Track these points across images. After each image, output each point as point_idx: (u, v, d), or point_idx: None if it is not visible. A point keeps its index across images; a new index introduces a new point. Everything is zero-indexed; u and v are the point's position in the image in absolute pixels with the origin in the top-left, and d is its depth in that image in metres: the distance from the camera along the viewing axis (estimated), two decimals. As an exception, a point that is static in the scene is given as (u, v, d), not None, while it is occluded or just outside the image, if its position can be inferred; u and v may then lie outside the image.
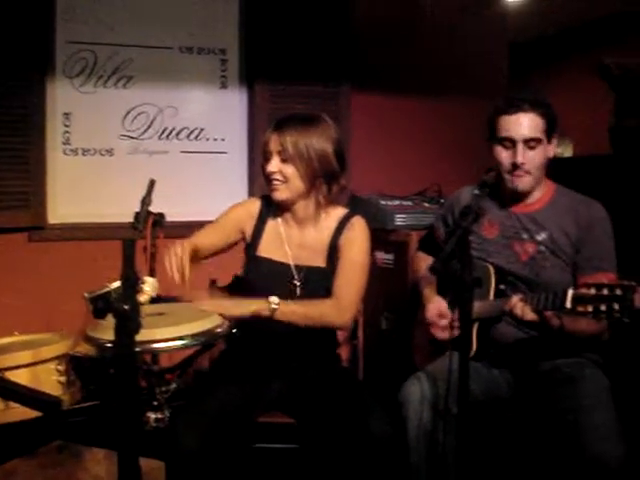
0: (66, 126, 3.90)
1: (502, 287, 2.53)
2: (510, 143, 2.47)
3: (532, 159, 2.46)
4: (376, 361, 3.83)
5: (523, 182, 2.50)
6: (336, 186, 2.53)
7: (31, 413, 2.05)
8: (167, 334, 1.96)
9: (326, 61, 4.24)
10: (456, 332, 2.42)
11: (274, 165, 2.46)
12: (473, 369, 2.26)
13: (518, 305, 2.32)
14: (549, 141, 2.50)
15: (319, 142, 2.45)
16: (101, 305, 1.61)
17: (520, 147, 2.45)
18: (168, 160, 4.08)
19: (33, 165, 3.76)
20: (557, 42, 7.75)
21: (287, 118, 2.50)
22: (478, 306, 2.35)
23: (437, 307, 2.67)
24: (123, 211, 3.89)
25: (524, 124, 2.44)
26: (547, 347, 2.52)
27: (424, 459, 2.39)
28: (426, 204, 3.88)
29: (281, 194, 2.49)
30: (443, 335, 2.62)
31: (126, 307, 1.57)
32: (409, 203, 3.86)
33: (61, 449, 2.14)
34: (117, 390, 1.62)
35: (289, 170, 2.44)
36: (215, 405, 2.36)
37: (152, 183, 2.92)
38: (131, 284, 1.60)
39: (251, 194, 4.20)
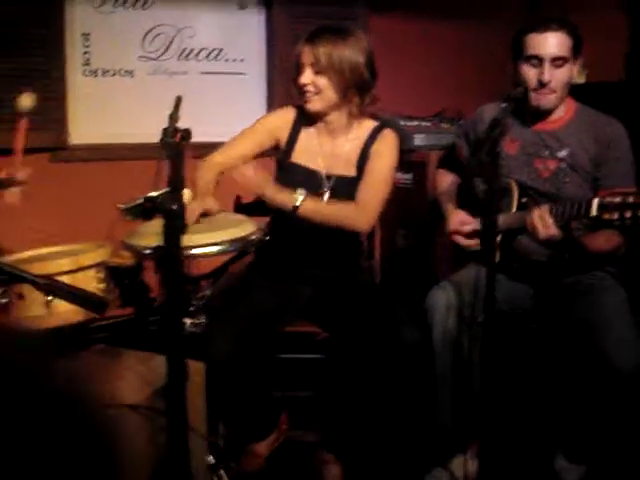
0: (86, 47, 3.89)
1: (524, 200, 2.58)
2: (537, 61, 2.48)
3: (558, 77, 2.49)
4: (393, 277, 3.90)
5: (548, 100, 2.53)
6: (368, 97, 2.57)
7: (72, 318, 2.15)
8: (204, 240, 2.01)
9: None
10: (478, 240, 2.50)
11: (307, 77, 2.49)
12: (496, 280, 2.31)
13: (539, 215, 2.35)
14: (574, 61, 2.52)
15: (351, 53, 2.48)
16: (150, 205, 1.66)
17: (547, 65, 2.47)
18: (188, 81, 4.08)
19: (54, 86, 3.76)
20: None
21: (319, 30, 2.52)
22: (502, 218, 2.40)
23: (459, 217, 2.72)
24: (144, 132, 3.96)
25: (552, 42, 2.46)
26: (568, 261, 2.58)
27: (449, 365, 2.49)
28: (444, 125, 3.93)
29: (314, 105, 2.53)
30: (467, 242, 2.68)
31: (174, 207, 1.61)
32: (428, 124, 3.91)
33: (103, 352, 2.21)
34: (165, 291, 1.67)
35: (322, 81, 2.48)
36: (246, 312, 2.46)
37: (179, 100, 2.92)
38: (178, 185, 1.64)
39: (270, 114, 4.22)
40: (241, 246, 2.13)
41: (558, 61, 2.46)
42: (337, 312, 2.54)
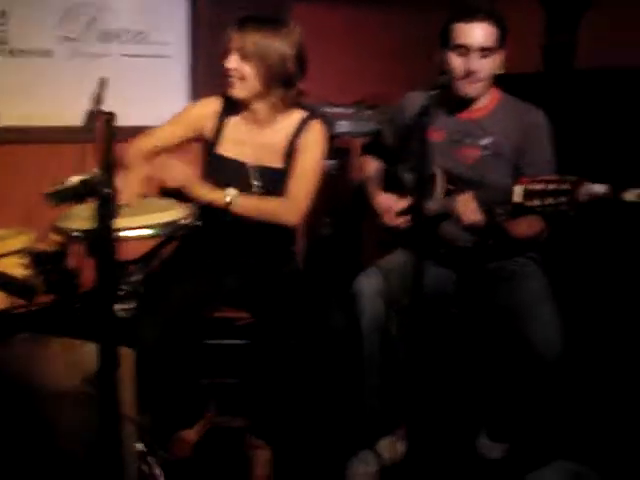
0: (1, 25, 3.76)
1: (450, 187, 2.62)
2: (465, 50, 2.52)
3: (484, 67, 2.53)
4: (317, 264, 3.92)
5: (474, 89, 2.57)
6: (293, 90, 2.56)
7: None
8: (135, 223, 1.99)
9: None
10: (407, 218, 2.54)
11: (232, 62, 2.48)
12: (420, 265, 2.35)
13: (464, 201, 2.41)
14: (499, 51, 2.56)
15: (280, 45, 2.47)
16: (83, 190, 1.63)
17: (474, 55, 2.51)
18: (109, 63, 3.99)
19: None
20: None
21: (251, 17, 2.51)
22: (429, 204, 2.45)
23: (387, 198, 2.76)
24: (64, 115, 3.86)
25: (479, 32, 2.50)
26: (491, 247, 2.64)
27: (377, 349, 2.52)
28: (367, 112, 3.97)
29: (237, 92, 2.52)
30: (397, 222, 2.71)
31: (107, 191, 1.59)
32: (350, 111, 3.94)
33: (29, 340, 2.16)
34: (97, 277, 1.65)
35: (246, 69, 2.47)
36: (173, 299, 2.44)
37: (103, 81, 2.88)
38: (110, 169, 1.61)
39: (195, 99, 4.16)
40: (172, 230, 2.12)
41: (485, 51, 2.51)
42: (264, 299, 2.54)
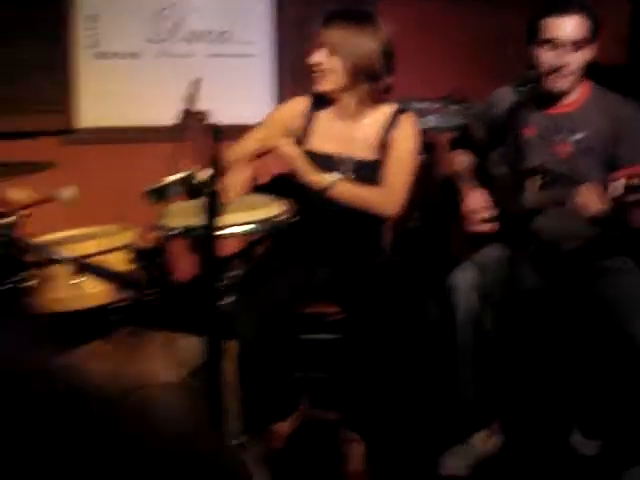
0: (93, 29, 3.86)
1: (544, 182, 2.59)
2: (555, 44, 2.49)
3: (574, 61, 2.50)
4: (406, 258, 3.92)
5: (562, 83, 2.54)
6: (380, 85, 2.57)
7: (100, 300, 2.16)
8: (238, 219, 2.03)
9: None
10: (492, 226, 2.52)
11: (317, 56, 2.52)
12: (515, 260, 2.33)
13: (585, 192, 2.34)
14: (591, 44, 2.53)
15: (365, 40, 2.49)
16: (196, 186, 1.67)
17: (563, 49, 2.48)
18: (195, 64, 4.05)
19: (61, 69, 3.76)
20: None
21: (338, 12, 2.54)
22: (527, 198, 2.43)
23: (477, 197, 2.74)
24: (151, 115, 3.95)
25: (570, 26, 2.47)
26: (582, 243, 2.60)
27: (471, 343, 2.51)
28: (453, 107, 3.94)
29: (321, 86, 2.56)
30: (480, 229, 2.70)
31: (215, 188, 1.63)
32: (437, 105, 3.92)
33: (133, 333, 2.22)
34: (203, 272, 1.69)
35: (331, 63, 2.49)
36: (267, 296, 2.46)
37: (197, 82, 2.94)
38: (219, 167, 1.65)
39: (280, 98, 4.20)
40: (272, 226, 2.15)
41: (575, 45, 2.48)
42: (356, 292, 2.55)
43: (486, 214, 2.68)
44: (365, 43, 2.49)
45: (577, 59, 2.51)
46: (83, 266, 1.70)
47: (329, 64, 2.50)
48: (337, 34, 2.48)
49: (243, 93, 4.17)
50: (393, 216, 2.61)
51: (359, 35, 2.49)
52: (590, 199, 2.32)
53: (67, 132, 3.83)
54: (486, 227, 2.70)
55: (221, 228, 1.94)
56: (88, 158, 3.81)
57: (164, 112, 3.87)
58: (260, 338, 2.38)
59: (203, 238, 1.69)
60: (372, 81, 2.55)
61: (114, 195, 3.73)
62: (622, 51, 4.74)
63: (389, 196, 2.54)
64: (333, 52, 2.49)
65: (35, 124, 3.70)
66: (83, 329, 2.16)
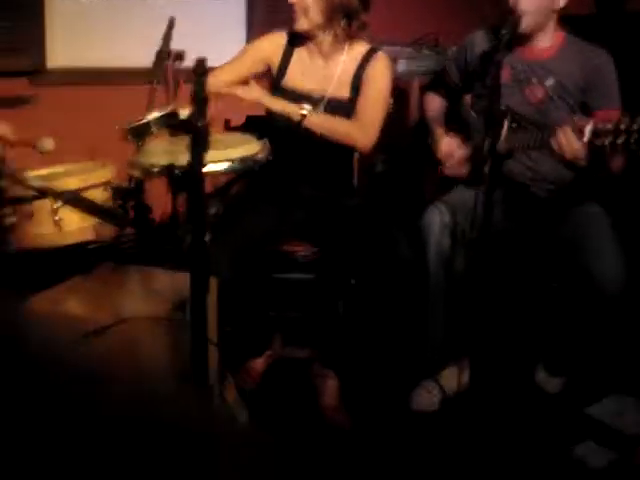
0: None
1: (514, 126, 2.64)
2: None
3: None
4: (377, 200, 3.96)
5: (526, 22, 2.53)
6: (356, 22, 2.59)
7: (81, 237, 2.18)
8: (215, 157, 2.03)
9: None
10: (466, 169, 2.58)
11: None
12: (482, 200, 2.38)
13: (564, 134, 2.36)
14: None
15: None
16: (173, 122, 1.68)
17: None
18: (165, 4, 4.03)
19: (30, 7, 3.70)
20: None
21: None
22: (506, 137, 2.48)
23: (450, 143, 2.79)
24: (123, 55, 3.92)
25: None
26: (553, 186, 2.67)
27: (443, 281, 2.58)
28: (425, 51, 3.95)
29: (300, 24, 2.57)
30: (455, 172, 2.76)
31: (200, 124, 1.64)
32: (408, 49, 3.93)
33: (114, 269, 2.24)
34: (189, 211, 1.72)
35: (309, 1, 2.50)
36: (242, 235, 2.50)
37: (171, 22, 2.91)
38: (203, 101, 1.67)
39: (249, 36, 4.18)
40: (251, 164, 2.16)
41: None
42: (331, 231, 2.60)
43: (460, 157, 2.73)
44: None
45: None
46: (67, 200, 1.70)
47: (304, 2, 2.52)
48: None
49: (214, 34, 4.14)
50: (366, 149, 2.65)
51: None
52: (567, 142, 2.36)
53: (38, 72, 3.78)
54: (460, 170, 2.75)
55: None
56: (59, 98, 3.76)
57: (136, 53, 3.87)
58: (235, 276, 2.42)
59: (188, 175, 1.71)
60: (348, 19, 2.57)
61: (86, 135, 3.71)
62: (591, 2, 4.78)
63: (363, 128, 2.59)
64: None
65: (5, 64, 3.65)
66: (63, 266, 2.18)
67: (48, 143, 2.36)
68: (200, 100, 1.67)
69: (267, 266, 2.65)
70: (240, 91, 2.53)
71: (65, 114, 3.77)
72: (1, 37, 3.67)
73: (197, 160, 1.66)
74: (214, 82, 2.60)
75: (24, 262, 2.12)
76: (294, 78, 2.68)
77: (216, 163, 2.04)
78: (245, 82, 2.68)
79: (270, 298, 2.76)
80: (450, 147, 2.80)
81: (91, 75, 3.93)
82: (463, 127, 2.82)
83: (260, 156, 2.21)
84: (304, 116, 2.48)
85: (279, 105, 2.53)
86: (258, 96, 2.53)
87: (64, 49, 3.89)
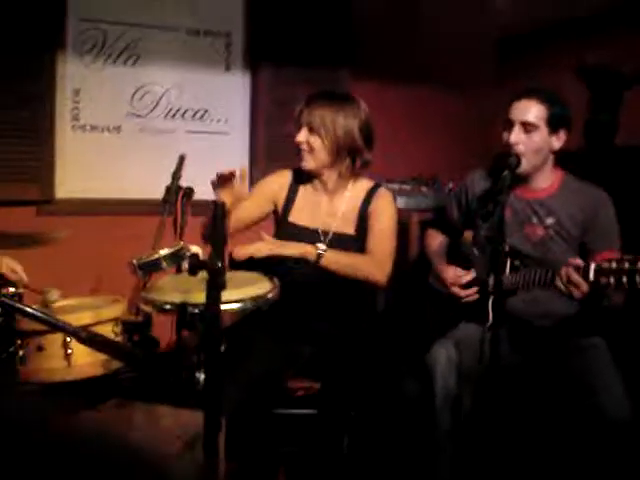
0: (75, 102, 3.97)
1: (517, 263, 2.70)
2: (509, 124, 2.65)
3: (525, 142, 2.62)
4: (380, 336, 3.97)
5: (524, 164, 2.64)
6: (360, 160, 2.69)
7: (91, 372, 2.19)
8: (227, 297, 2.06)
9: (327, 47, 4.40)
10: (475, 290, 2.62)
11: (302, 136, 2.65)
12: (488, 338, 2.41)
13: (567, 273, 2.40)
14: (552, 132, 2.66)
15: (345, 119, 2.64)
16: (195, 263, 1.72)
17: (516, 128, 2.63)
18: (173, 139, 4.18)
19: (42, 140, 3.83)
20: (534, 38, 8.05)
21: (319, 94, 2.69)
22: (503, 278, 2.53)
23: (454, 270, 2.85)
24: (129, 188, 4.03)
25: (524, 108, 2.63)
26: (557, 321, 2.70)
27: (449, 421, 2.57)
28: (423, 188, 4.07)
29: (307, 163, 2.67)
30: (465, 293, 2.80)
31: (219, 264, 1.69)
32: (407, 187, 4.05)
33: (120, 406, 2.24)
34: (204, 350, 1.74)
35: (315, 142, 2.62)
36: (250, 373, 2.49)
37: (182, 158, 3.01)
38: (221, 243, 1.71)
39: (251, 174, 4.30)
40: (262, 303, 2.19)
41: (528, 126, 2.62)
42: (338, 368, 2.60)
43: (467, 279, 2.79)
44: (343, 121, 2.63)
45: (527, 141, 2.63)
46: (83, 339, 1.72)
47: (311, 143, 2.62)
48: (317, 114, 2.62)
49: (218, 169, 4.25)
50: (382, 282, 2.68)
51: (337, 114, 2.63)
52: (572, 281, 2.40)
53: (45, 202, 3.86)
54: (470, 292, 2.79)
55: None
56: (65, 229, 3.81)
57: (143, 186, 3.99)
58: (241, 413, 2.40)
59: (202, 314, 1.74)
60: (353, 157, 2.67)
61: (94, 265, 3.77)
62: (581, 138, 4.97)
63: (377, 263, 2.64)
64: (314, 131, 2.62)
65: (15, 193, 3.74)
66: (71, 399, 2.17)
67: (54, 294, 2.43)
68: (219, 242, 1.72)
69: (273, 402, 2.63)
70: (252, 250, 2.53)
71: (72, 244, 3.82)
72: (11, 167, 3.77)
73: (213, 300, 1.70)
74: (234, 221, 2.67)
75: (32, 396, 2.11)
76: (300, 214, 2.76)
77: (229, 303, 2.06)
78: (256, 222, 2.75)
79: (274, 434, 2.72)
80: (456, 273, 2.84)
81: (99, 206, 4.03)
82: (464, 262, 2.87)
83: (271, 295, 2.24)
84: (320, 255, 2.52)
85: (294, 250, 2.55)
86: (271, 250, 2.54)
87: (73, 180, 3.99)
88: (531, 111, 2.63)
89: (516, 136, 2.63)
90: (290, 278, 2.53)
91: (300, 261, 2.54)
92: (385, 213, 2.71)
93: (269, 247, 2.53)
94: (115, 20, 4.02)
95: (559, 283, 2.44)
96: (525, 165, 2.66)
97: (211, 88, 4.27)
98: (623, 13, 6.94)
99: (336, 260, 2.56)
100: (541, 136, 2.65)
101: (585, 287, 2.38)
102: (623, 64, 5.18)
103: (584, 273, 2.35)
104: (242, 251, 2.49)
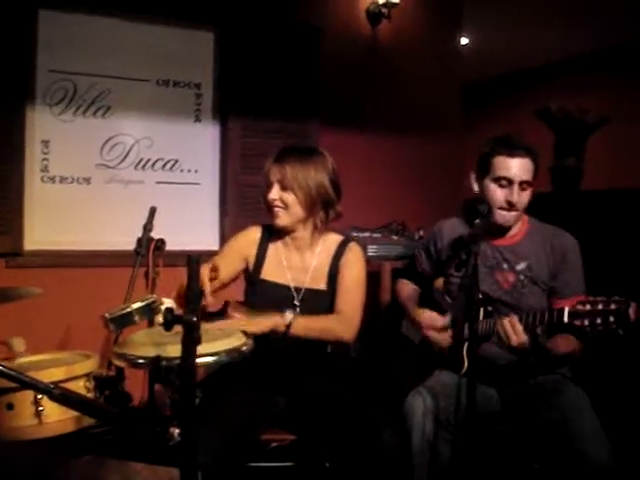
0: (44, 154, 3.96)
1: (489, 309, 2.71)
2: (507, 182, 2.67)
3: (523, 199, 2.69)
4: (352, 386, 3.95)
5: (511, 217, 2.71)
6: (332, 212, 2.71)
7: (63, 429, 2.15)
8: (202, 350, 2.05)
9: (296, 98, 4.46)
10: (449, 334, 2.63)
11: (275, 193, 2.63)
12: (464, 385, 2.41)
13: (510, 324, 2.47)
14: (534, 183, 2.72)
15: (316, 172, 2.64)
16: (170, 317, 1.71)
17: (516, 187, 2.66)
18: (143, 190, 4.17)
19: (11, 192, 3.82)
20: (498, 85, 8.26)
21: (286, 150, 2.68)
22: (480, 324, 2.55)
23: (430, 315, 2.85)
24: (100, 239, 4.01)
25: (521, 167, 2.66)
26: (531, 364, 2.71)
27: (427, 468, 2.55)
28: (394, 236, 4.10)
29: (282, 220, 2.65)
30: (440, 337, 2.79)
31: (194, 319, 1.68)
32: (378, 235, 4.07)
33: (94, 462, 2.20)
34: (176, 403, 1.72)
35: (289, 198, 2.62)
36: (223, 425, 2.46)
37: (153, 210, 3.03)
38: (196, 298, 1.71)
39: (222, 225, 4.33)
40: (236, 356, 2.18)
41: (524, 184, 2.66)
42: (314, 418, 2.58)
43: (441, 323, 2.79)
44: (314, 175, 2.63)
45: (524, 198, 2.69)
46: (54, 396, 1.69)
47: (285, 200, 2.62)
48: (288, 170, 2.61)
49: (189, 220, 4.28)
50: (350, 340, 2.66)
51: (309, 168, 2.63)
52: (514, 330, 2.46)
53: (14, 255, 3.83)
54: (444, 336, 2.79)
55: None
56: (36, 281, 3.77)
57: (114, 237, 3.98)
58: (216, 467, 2.37)
59: (176, 368, 1.72)
60: (327, 208, 2.69)
61: (62, 318, 3.73)
62: (548, 179, 5.09)
63: (345, 321, 2.62)
64: (287, 188, 2.62)
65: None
66: (43, 457, 2.13)
67: (19, 344, 2.40)
68: (194, 297, 1.71)
69: (246, 455, 2.60)
70: (221, 325, 2.47)
71: (42, 297, 3.78)
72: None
73: (189, 354, 1.68)
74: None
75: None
76: (270, 271, 2.74)
77: (204, 356, 2.05)
78: (229, 282, 2.74)
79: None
80: (432, 317, 2.84)
81: (69, 258, 3.99)
82: (437, 310, 2.88)
83: (245, 348, 2.23)
84: (288, 326, 2.50)
85: (262, 326, 2.47)
86: (240, 327, 2.44)
87: (43, 231, 3.97)
88: (528, 169, 2.67)
89: (518, 195, 2.66)
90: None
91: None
92: (355, 268, 2.71)
93: (239, 325, 2.45)
94: (85, 71, 4.04)
95: (500, 331, 2.50)
96: (513, 220, 2.73)
97: (181, 139, 4.30)
98: (585, 61, 7.18)
99: (304, 326, 2.53)
100: (531, 191, 2.71)
101: (523, 338, 2.45)
102: (586, 110, 5.33)
103: (558, 316, 2.37)
104: (215, 326, 2.45)
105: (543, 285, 2.73)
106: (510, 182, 2.66)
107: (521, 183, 2.66)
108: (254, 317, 2.52)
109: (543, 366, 2.72)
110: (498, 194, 2.69)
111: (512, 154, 2.67)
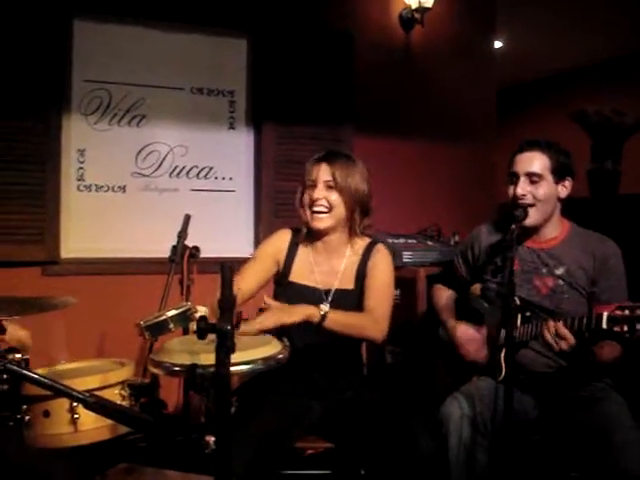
0: (80, 162, 4.00)
1: (527, 314, 2.67)
2: (515, 177, 2.65)
3: (532, 192, 2.62)
4: (389, 391, 3.93)
5: (533, 214, 2.64)
6: (367, 220, 2.69)
7: (98, 436, 2.16)
8: (238, 358, 2.04)
9: (330, 104, 4.45)
10: (485, 354, 2.59)
11: (320, 192, 2.61)
12: (501, 391, 2.38)
13: (554, 327, 2.42)
14: (557, 181, 2.67)
15: (360, 178, 2.64)
16: (204, 326, 1.70)
17: (521, 179, 2.63)
18: (178, 198, 4.20)
19: (48, 200, 3.85)
20: (534, 89, 8.19)
21: (333, 152, 2.68)
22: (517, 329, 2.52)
23: (466, 332, 2.83)
24: (134, 247, 4.03)
25: (527, 160, 2.64)
26: (569, 372, 2.67)
27: (465, 473, 2.52)
28: (429, 242, 4.05)
29: (323, 221, 2.64)
30: (475, 357, 2.77)
31: (228, 327, 1.67)
32: (413, 241, 4.03)
33: (129, 471, 2.20)
34: (211, 412, 1.71)
35: (334, 198, 2.60)
36: (259, 433, 2.45)
37: (187, 218, 3.04)
38: (230, 306, 1.70)
39: (257, 232, 4.33)
40: (273, 364, 2.16)
41: (533, 177, 2.62)
42: (349, 425, 2.56)
43: (478, 342, 2.76)
44: (358, 180, 2.64)
45: (534, 191, 2.63)
46: (86, 403, 1.69)
47: (330, 199, 2.61)
48: (337, 171, 2.61)
49: (223, 227, 4.29)
50: (379, 340, 2.63)
51: (354, 172, 2.63)
52: (560, 335, 2.41)
53: (50, 263, 3.86)
54: (480, 355, 2.76)
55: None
56: (72, 289, 3.81)
57: (149, 245, 4.00)
58: (251, 475, 2.36)
59: (211, 377, 1.72)
60: (364, 215, 2.68)
61: (98, 326, 3.75)
62: (585, 184, 5.01)
63: (375, 321, 2.60)
64: (333, 188, 2.61)
65: (19, 254, 3.74)
66: (78, 465, 2.13)
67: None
68: (227, 305, 1.70)
69: (280, 462, 2.59)
70: (258, 325, 2.39)
71: (78, 305, 3.81)
72: (17, 227, 3.77)
73: (223, 363, 1.67)
74: (244, 285, 2.64)
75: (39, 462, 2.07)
76: (300, 273, 2.73)
77: (239, 365, 2.03)
78: (264, 285, 2.73)
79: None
80: (467, 334, 2.82)
81: (104, 266, 4.03)
82: (474, 316, 2.85)
83: (281, 356, 2.21)
84: (324, 316, 2.48)
85: (299, 315, 2.46)
86: (276, 322, 2.40)
87: (79, 240, 4.01)
88: (535, 162, 2.63)
89: (522, 188, 2.63)
90: (298, 339, 2.50)
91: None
92: (384, 269, 2.70)
93: (273, 319, 2.43)
94: (120, 81, 4.08)
95: (547, 335, 2.44)
96: (534, 216, 2.65)
97: (215, 146, 4.32)
98: (622, 64, 7.09)
99: (338, 320, 2.51)
100: (547, 185, 2.64)
101: (572, 341, 2.39)
102: (623, 113, 5.25)
103: (597, 322, 2.33)
104: (248, 328, 2.42)
105: (582, 290, 2.67)
106: (517, 176, 2.64)
107: (529, 175, 2.62)
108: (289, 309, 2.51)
109: (588, 374, 2.67)
110: (510, 191, 2.67)
111: (521, 150, 2.66)
